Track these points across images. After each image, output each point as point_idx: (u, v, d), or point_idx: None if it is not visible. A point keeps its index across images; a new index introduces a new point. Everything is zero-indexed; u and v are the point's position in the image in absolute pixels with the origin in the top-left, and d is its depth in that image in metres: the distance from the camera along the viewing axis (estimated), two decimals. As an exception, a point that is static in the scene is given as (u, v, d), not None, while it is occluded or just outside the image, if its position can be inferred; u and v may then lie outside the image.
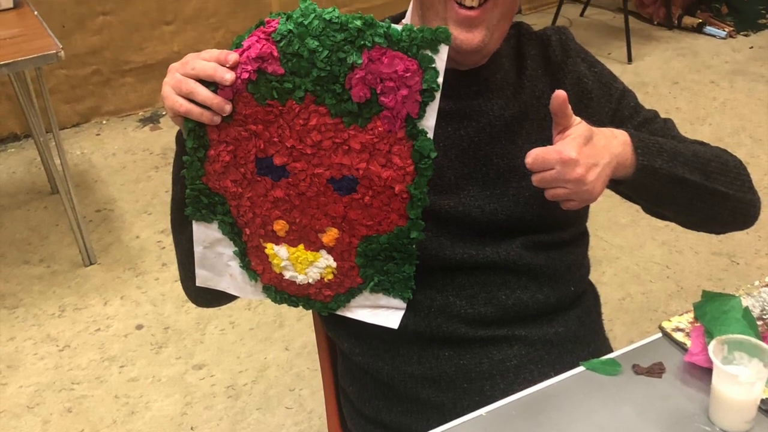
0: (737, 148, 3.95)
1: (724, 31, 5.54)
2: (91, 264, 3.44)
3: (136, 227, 3.70)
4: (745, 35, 5.57)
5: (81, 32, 4.39)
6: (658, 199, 1.48)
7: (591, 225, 1.61)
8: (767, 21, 5.74)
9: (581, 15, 6.04)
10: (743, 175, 1.54)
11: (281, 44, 1.21)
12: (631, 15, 5.42)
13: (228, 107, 1.25)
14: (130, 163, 4.23)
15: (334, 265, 1.39)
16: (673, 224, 1.59)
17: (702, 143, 1.57)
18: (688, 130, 3.98)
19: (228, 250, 1.43)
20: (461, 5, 1.38)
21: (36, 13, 3.27)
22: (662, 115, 1.62)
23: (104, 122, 4.65)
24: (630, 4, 5.59)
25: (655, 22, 5.81)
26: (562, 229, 1.52)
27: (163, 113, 4.66)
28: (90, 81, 4.54)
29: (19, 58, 2.87)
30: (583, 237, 1.61)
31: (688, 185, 1.43)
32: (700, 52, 5.32)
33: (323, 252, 1.38)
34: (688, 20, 5.68)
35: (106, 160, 4.26)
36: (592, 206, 1.45)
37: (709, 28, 5.59)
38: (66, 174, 3.31)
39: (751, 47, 5.38)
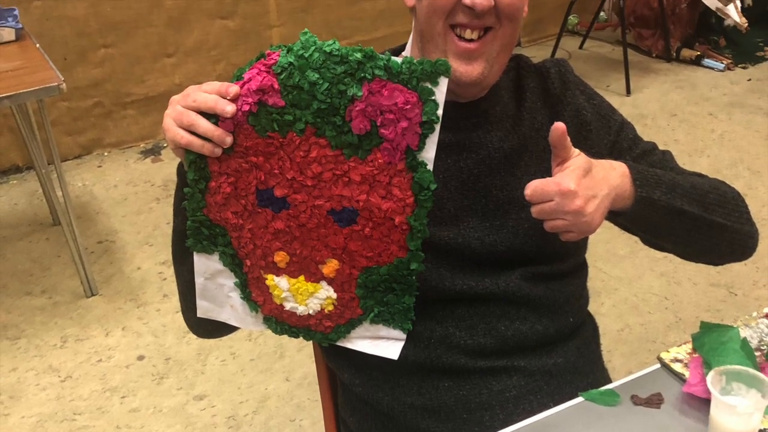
0: (735, 180, 3.97)
1: (722, 63, 5.56)
2: (92, 295, 3.44)
3: (138, 258, 3.70)
4: (743, 68, 5.59)
5: (83, 65, 4.41)
6: (656, 230, 1.48)
7: (590, 256, 1.62)
8: (765, 53, 5.76)
9: (580, 47, 6.06)
10: (741, 207, 1.54)
11: (282, 77, 1.22)
12: (629, 47, 5.45)
13: (229, 139, 1.25)
14: (131, 194, 4.24)
15: (335, 296, 1.39)
16: (671, 256, 1.59)
17: (700, 175, 1.58)
18: (686, 161, 4.00)
19: (229, 281, 1.44)
20: (461, 38, 1.40)
21: (38, 45, 3.28)
22: (661, 147, 1.63)
23: (106, 154, 4.66)
24: (629, 37, 5.62)
25: (654, 55, 5.83)
26: (561, 260, 1.52)
27: (165, 145, 4.67)
28: (92, 113, 4.56)
29: (21, 90, 2.87)
30: (581, 268, 1.61)
31: (686, 217, 1.44)
32: (699, 85, 5.34)
33: (323, 283, 1.39)
34: (686, 53, 5.70)
35: (107, 192, 4.27)
36: (591, 237, 1.45)
37: (707, 61, 5.61)
38: (68, 206, 3.31)
39: (749, 79, 5.40)
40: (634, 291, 3.36)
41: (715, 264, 1.64)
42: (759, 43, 5.85)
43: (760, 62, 5.68)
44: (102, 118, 4.60)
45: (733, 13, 5.53)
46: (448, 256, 1.45)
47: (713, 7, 5.49)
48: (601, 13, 6.14)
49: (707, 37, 5.83)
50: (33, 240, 3.87)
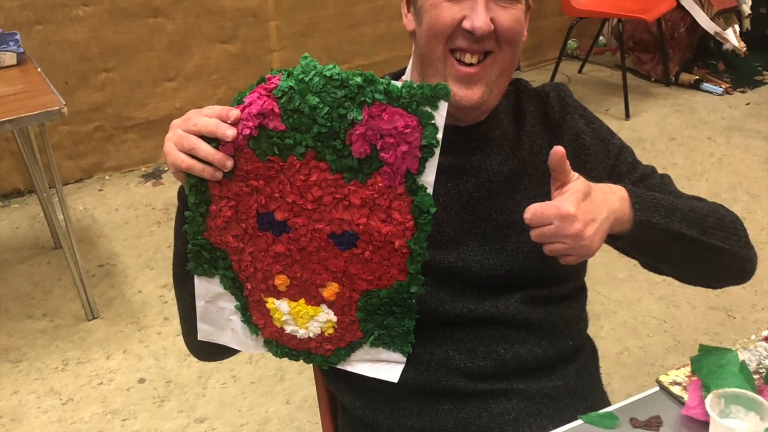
0: (734, 204, 3.97)
1: (720, 87, 5.57)
2: (93, 318, 3.43)
3: (139, 282, 3.70)
4: (742, 92, 5.60)
5: (84, 89, 4.42)
6: (655, 254, 1.49)
7: (589, 280, 1.62)
8: (764, 78, 5.78)
9: (579, 72, 6.07)
10: (740, 231, 1.55)
11: (282, 101, 1.22)
12: (628, 72, 5.46)
13: (229, 163, 1.26)
14: (132, 218, 4.24)
15: (335, 319, 1.40)
16: (670, 279, 1.60)
17: (699, 199, 1.58)
18: (685, 185, 4.00)
19: (229, 304, 1.44)
20: (460, 62, 1.41)
21: (39, 69, 3.29)
22: (659, 171, 1.64)
23: (107, 178, 4.67)
24: (628, 61, 5.64)
25: (653, 79, 5.84)
26: (561, 283, 1.52)
27: (166, 169, 4.68)
28: (93, 137, 4.56)
29: (23, 114, 2.88)
30: (581, 291, 1.61)
31: (685, 240, 1.44)
32: (697, 109, 5.35)
33: (324, 306, 1.39)
34: (685, 77, 5.71)
35: (108, 216, 4.27)
36: (590, 261, 1.45)
37: (706, 85, 5.62)
38: (69, 229, 3.32)
39: (748, 103, 5.41)
40: (633, 314, 3.36)
41: (714, 287, 1.65)
42: (757, 68, 5.86)
43: (759, 86, 5.69)
44: (103, 142, 4.61)
45: (732, 38, 5.55)
46: (447, 279, 1.45)
47: (712, 32, 5.51)
48: (600, 38, 6.16)
49: (706, 61, 5.84)
50: (34, 263, 3.87)
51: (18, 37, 3.42)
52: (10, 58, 3.32)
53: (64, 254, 3.36)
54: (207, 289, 1.42)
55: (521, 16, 1.43)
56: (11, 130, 3.18)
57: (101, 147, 4.62)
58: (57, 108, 2.92)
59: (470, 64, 1.41)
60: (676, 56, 5.77)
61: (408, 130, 1.23)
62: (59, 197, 3.33)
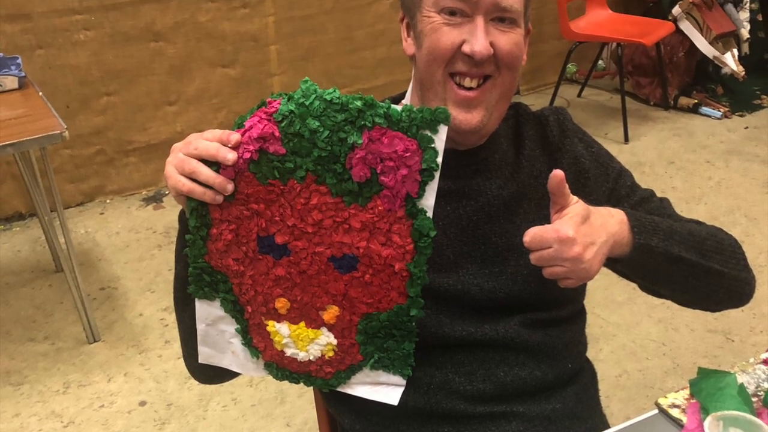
0: (732, 227, 3.98)
1: (719, 111, 5.59)
2: (95, 341, 3.43)
3: (140, 305, 3.70)
4: (740, 116, 5.62)
5: (85, 112, 4.43)
6: (654, 277, 1.49)
7: (588, 303, 1.62)
8: (762, 102, 5.79)
9: (579, 96, 6.09)
10: (738, 254, 1.55)
11: (283, 124, 1.23)
12: (627, 96, 5.47)
13: (230, 186, 1.26)
14: (133, 241, 4.24)
15: (335, 342, 1.40)
16: (669, 302, 1.60)
17: (698, 222, 1.58)
18: (683, 209, 4.02)
19: (230, 327, 1.44)
20: (460, 86, 1.42)
21: (41, 93, 3.30)
22: (658, 195, 1.64)
23: (108, 201, 4.67)
24: (627, 85, 5.65)
25: (652, 103, 5.86)
26: (560, 306, 1.53)
27: (166, 192, 4.68)
28: (94, 161, 4.57)
29: (24, 138, 2.88)
30: (580, 314, 1.61)
31: (684, 263, 1.44)
32: (696, 132, 5.37)
33: (324, 329, 1.39)
34: (684, 101, 5.73)
35: (109, 239, 4.27)
36: (589, 284, 1.45)
37: (704, 109, 5.64)
38: (70, 252, 3.32)
39: (746, 127, 5.42)
40: (632, 337, 3.36)
41: (713, 310, 1.65)
42: (756, 92, 5.88)
43: (757, 110, 5.71)
44: (104, 166, 4.62)
45: (731, 62, 5.57)
46: (447, 302, 1.45)
47: (711, 56, 5.53)
48: (600, 62, 6.18)
49: (705, 86, 5.86)
50: (36, 286, 3.87)
51: (19, 61, 3.43)
52: (11, 82, 3.33)
53: (66, 277, 3.36)
54: (208, 312, 1.42)
55: (520, 40, 1.44)
56: (13, 153, 3.19)
57: (102, 170, 4.63)
58: (58, 132, 2.92)
59: (470, 88, 1.42)
60: (674, 80, 5.79)
61: (408, 154, 1.23)
62: (61, 221, 3.33)
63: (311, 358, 1.42)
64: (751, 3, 5.77)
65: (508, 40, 1.41)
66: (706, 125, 5.48)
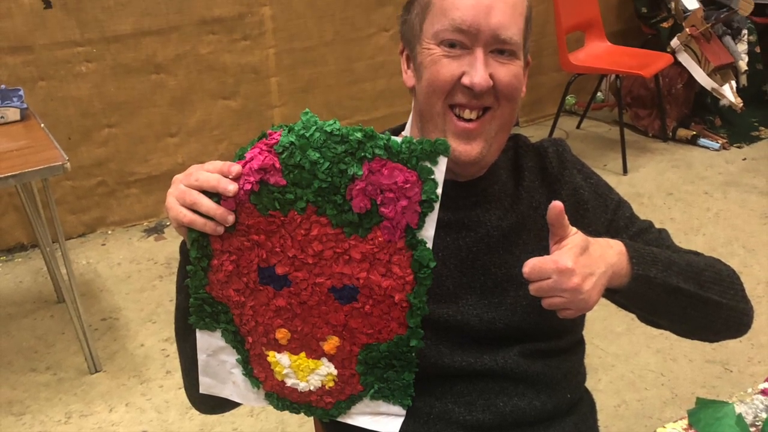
0: (730, 258, 3.97)
1: (717, 143, 5.60)
2: (96, 371, 3.43)
3: (141, 335, 3.70)
4: (739, 147, 5.63)
5: (87, 144, 4.45)
6: (652, 307, 1.49)
7: (587, 333, 1.63)
8: (760, 133, 5.81)
9: (578, 127, 6.11)
10: (736, 285, 1.55)
11: (283, 156, 1.23)
12: (626, 127, 5.48)
13: (231, 218, 1.27)
14: (134, 272, 4.25)
15: (335, 372, 1.40)
16: (667, 333, 1.60)
17: (696, 253, 1.59)
18: (682, 240, 4.01)
19: (231, 357, 1.44)
20: (460, 118, 1.42)
21: (42, 125, 3.31)
22: (657, 226, 1.65)
23: (109, 232, 4.68)
24: (625, 117, 5.67)
25: (650, 134, 5.87)
26: (559, 337, 1.53)
27: (168, 224, 4.69)
28: (95, 192, 4.58)
29: (26, 170, 2.89)
30: (579, 345, 1.62)
31: (682, 294, 1.45)
32: (694, 164, 5.38)
33: (324, 360, 1.39)
34: (682, 132, 5.74)
35: (111, 270, 4.28)
36: (588, 315, 1.46)
37: (703, 140, 5.65)
38: (72, 283, 3.32)
39: (744, 159, 5.44)
40: (630, 367, 3.36)
41: (711, 341, 1.65)
42: (754, 123, 5.90)
43: (755, 142, 5.73)
44: (106, 197, 4.63)
45: (729, 94, 5.59)
46: (447, 333, 1.46)
47: (709, 88, 5.55)
48: (598, 94, 6.20)
49: (703, 117, 5.87)
50: (38, 317, 3.88)
51: (21, 92, 3.45)
52: (13, 114, 3.34)
53: (67, 308, 3.36)
54: (209, 342, 1.43)
55: (520, 72, 1.45)
56: (15, 185, 3.19)
57: (104, 202, 4.63)
58: (60, 163, 2.93)
59: (469, 120, 1.42)
60: (673, 112, 5.81)
61: (408, 185, 1.23)
62: (62, 252, 3.34)
63: (312, 388, 1.42)
64: (749, 35, 5.79)
65: (508, 72, 1.42)
66: (705, 157, 5.50)
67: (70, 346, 3.62)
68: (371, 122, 4.97)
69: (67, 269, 3.34)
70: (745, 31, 5.77)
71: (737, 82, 5.72)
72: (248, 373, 1.45)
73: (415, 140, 1.23)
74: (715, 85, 5.52)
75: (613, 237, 1.43)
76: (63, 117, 4.31)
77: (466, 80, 1.39)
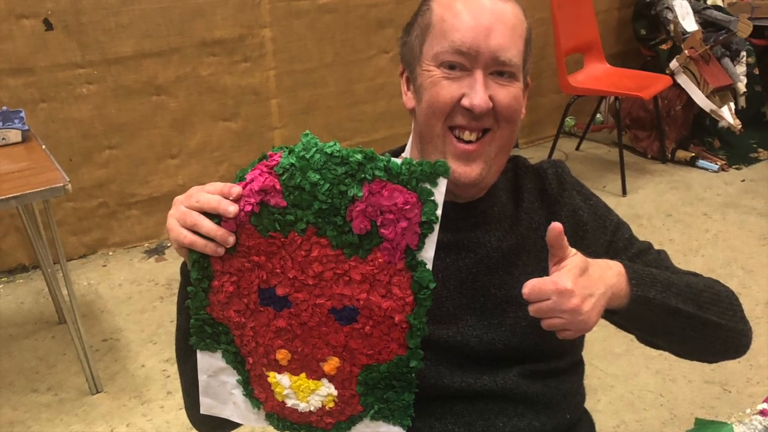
0: (729, 279, 3.99)
1: (716, 164, 5.61)
2: (97, 392, 3.42)
3: (142, 356, 3.69)
4: (737, 168, 5.63)
5: (88, 166, 4.45)
6: (652, 328, 1.49)
7: (586, 354, 1.63)
8: (759, 155, 5.81)
9: (577, 149, 6.12)
10: (735, 306, 1.55)
11: (283, 177, 1.24)
12: (625, 149, 5.48)
13: (231, 239, 1.27)
14: (135, 293, 4.25)
15: (336, 393, 1.40)
16: (666, 353, 1.60)
17: (695, 274, 1.59)
18: (681, 261, 4.02)
19: (231, 378, 1.44)
20: (459, 139, 1.43)
21: (44, 147, 3.31)
22: (656, 247, 1.65)
23: (110, 254, 4.68)
24: (624, 138, 5.67)
25: (649, 156, 5.88)
26: (559, 358, 1.53)
27: (168, 245, 4.69)
28: (96, 213, 4.59)
29: (28, 191, 2.89)
30: (578, 366, 1.62)
31: (681, 315, 1.45)
32: (693, 185, 5.38)
33: (325, 380, 1.39)
34: (681, 154, 5.75)
35: (112, 291, 4.28)
36: (588, 335, 1.46)
37: (701, 162, 5.66)
38: (73, 304, 3.32)
39: (743, 180, 5.44)
40: (629, 388, 3.35)
41: (710, 362, 1.64)
42: (753, 145, 5.91)
43: (754, 163, 5.73)
44: (107, 219, 4.63)
45: (728, 115, 5.60)
46: (447, 353, 1.46)
47: (708, 109, 5.56)
48: (598, 115, 6.21)
49: (702, 139, 5.88)
50: (39, 338, 3.87)
51: (23, 114, 3.46)
52: (15, 136, 3.34)
53: (69, 329, 3.35)
54: (209, 363, 1.43)
55: (519, 93, 1.45)
56: (16, 206, 3.19)
57: (105, 223, 4.64)
58: (61, 185, 2.93)
59: (469, 141, 1.43)
60: (672, 133, 5.82)
61: (408, 207, 1.24)
62: (63, 273, 3.34)
63: (312, 408, 1.42)
64: (747, 57, 5.81)
65: (507, 93, 1.42)
66: (704, 178, 5.50)
67: (71, 367, 3.61)
68: (371, 144, 5.00)
69: (68, 290, 3.34)
70: (743, 53, 5.79)
71: (736, 104, 5.73)
72: (249, 393, 1.45)
73: (415, 162, 1.24)
74: (714, 107, 5.54)
75: (612, 258, 1.43)
76: (64, 138, 4.32)
77: (465, 102, 1.40)
